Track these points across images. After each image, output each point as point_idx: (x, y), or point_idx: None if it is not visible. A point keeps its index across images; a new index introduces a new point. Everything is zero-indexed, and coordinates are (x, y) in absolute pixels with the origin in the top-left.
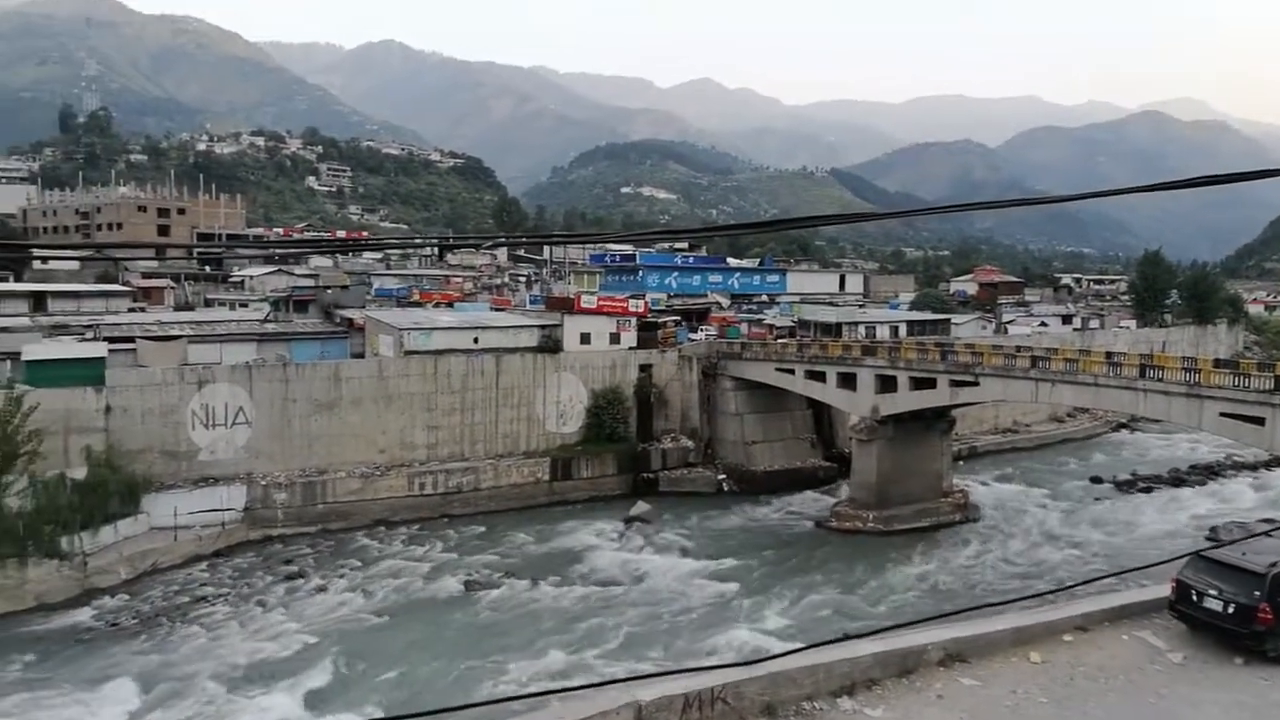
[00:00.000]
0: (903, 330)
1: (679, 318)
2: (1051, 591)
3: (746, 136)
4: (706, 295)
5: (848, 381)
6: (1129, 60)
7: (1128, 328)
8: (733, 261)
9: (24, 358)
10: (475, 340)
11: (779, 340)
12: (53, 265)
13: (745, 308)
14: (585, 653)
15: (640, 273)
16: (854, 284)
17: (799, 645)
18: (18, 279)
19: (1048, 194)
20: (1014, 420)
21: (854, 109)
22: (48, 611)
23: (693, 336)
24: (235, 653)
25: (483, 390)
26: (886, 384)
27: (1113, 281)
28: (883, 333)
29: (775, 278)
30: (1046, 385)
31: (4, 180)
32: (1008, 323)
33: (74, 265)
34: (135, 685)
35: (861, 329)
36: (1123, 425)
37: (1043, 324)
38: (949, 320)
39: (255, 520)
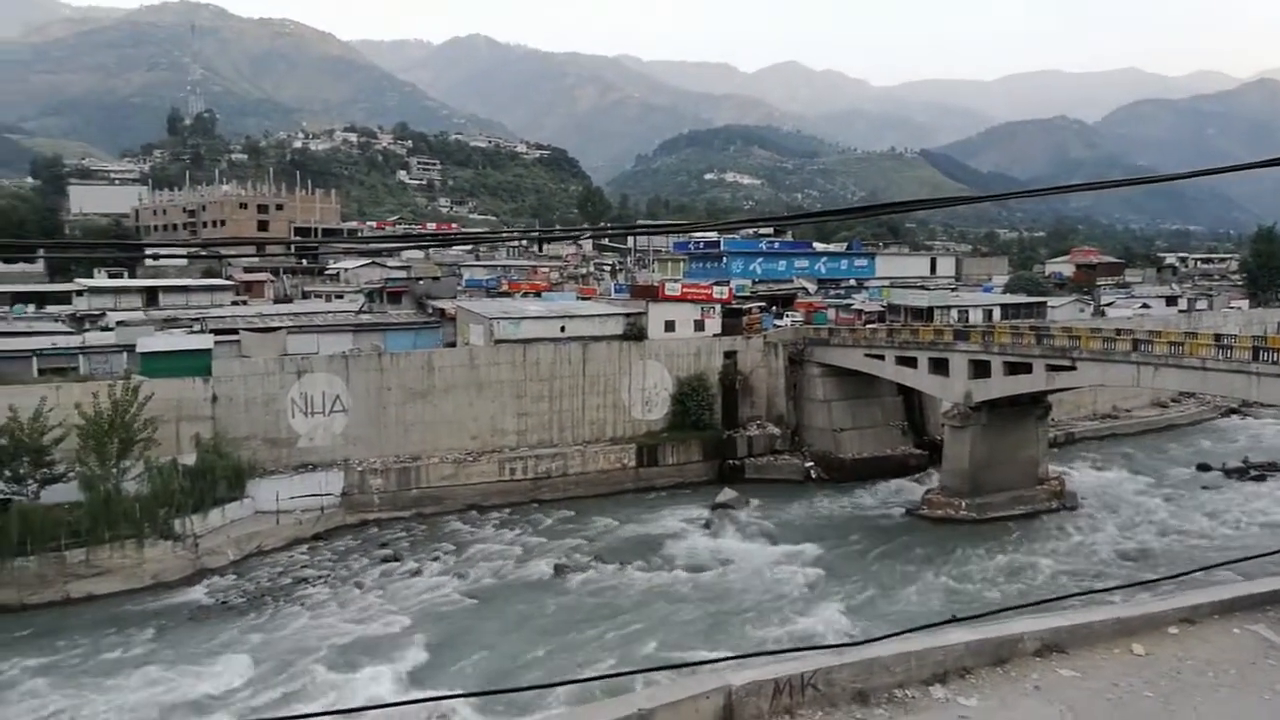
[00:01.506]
0: (996, 314)
1: (764, 304)
2: (1154, 580)
3: (834, 119)
4: (792, 281)
5: (939, 367)
6: (1239, 27)
7: (1239, 308)
8: (819, 246)
9: (139, 350)
10: (562, 329)
11: (868, 325)
12: (163, 262)
13: (833, 293)
14: (673, 637)
15: (724, 259)
16: (945, 267)
17: (891, 632)
18: (132, 275)
19: (1151, 170)
20: (1114, 405)
21: (944, 88)
22: (164, 589)
23: (778, 323)
24: (335, 632)
25: (570, 378)
26: (980, 369)
27: (1222, 260)
28: (976, 316)
29: (863, 262)
30: (1149, 369)
31: (118, 182)
32: (1107, 305)
33: (182, 261)
34: (247, 659)
35: (954, 313)
36: (1233, 410)
37: (1144, 306)
38: (1045, 303)
39: (352, 505)
